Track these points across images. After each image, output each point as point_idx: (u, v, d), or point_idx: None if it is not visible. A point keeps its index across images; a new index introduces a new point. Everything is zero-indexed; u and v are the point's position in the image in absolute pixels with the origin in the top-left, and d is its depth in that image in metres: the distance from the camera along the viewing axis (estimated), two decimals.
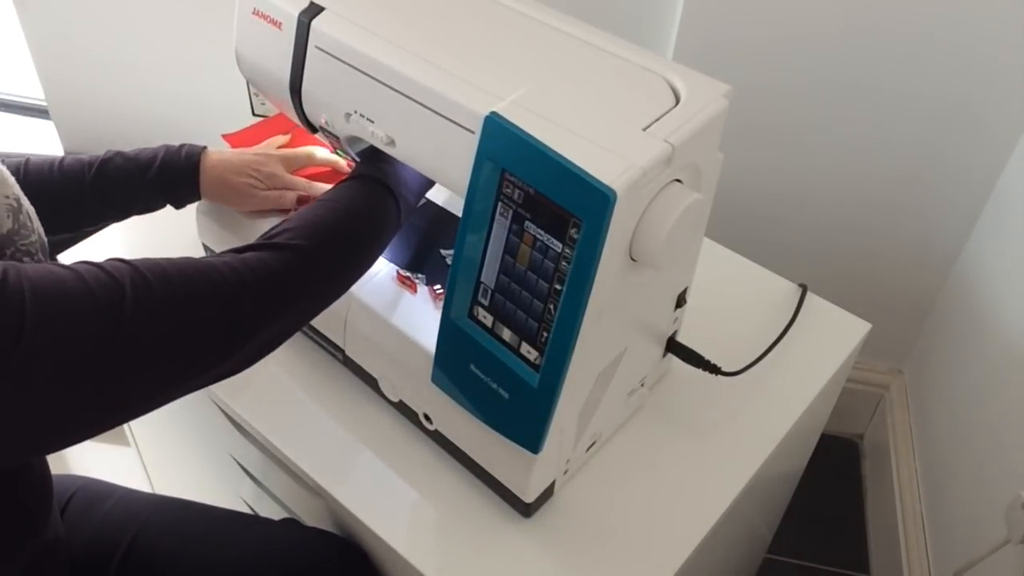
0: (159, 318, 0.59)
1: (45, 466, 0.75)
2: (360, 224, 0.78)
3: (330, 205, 0.77)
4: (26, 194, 0.79)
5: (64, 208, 0.87)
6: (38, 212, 0.83)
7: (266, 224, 0.92)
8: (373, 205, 0.79)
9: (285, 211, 0.94)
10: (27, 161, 0.86)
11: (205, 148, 0.92)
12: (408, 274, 0.88)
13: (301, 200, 0.94)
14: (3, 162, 0.80)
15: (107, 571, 0.86)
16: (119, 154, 0.89)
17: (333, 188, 0.81)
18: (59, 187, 0.87)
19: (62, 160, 0.88)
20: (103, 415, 0.59)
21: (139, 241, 1.08)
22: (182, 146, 0.91)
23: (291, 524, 0.94)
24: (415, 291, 0.86)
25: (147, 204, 0.91)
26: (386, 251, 0.91)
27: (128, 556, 0.86)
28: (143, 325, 0.58)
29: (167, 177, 0.89)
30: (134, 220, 1.09)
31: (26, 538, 0.72)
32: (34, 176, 0.86)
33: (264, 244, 0.70)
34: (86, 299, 0.56)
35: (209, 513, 0.93)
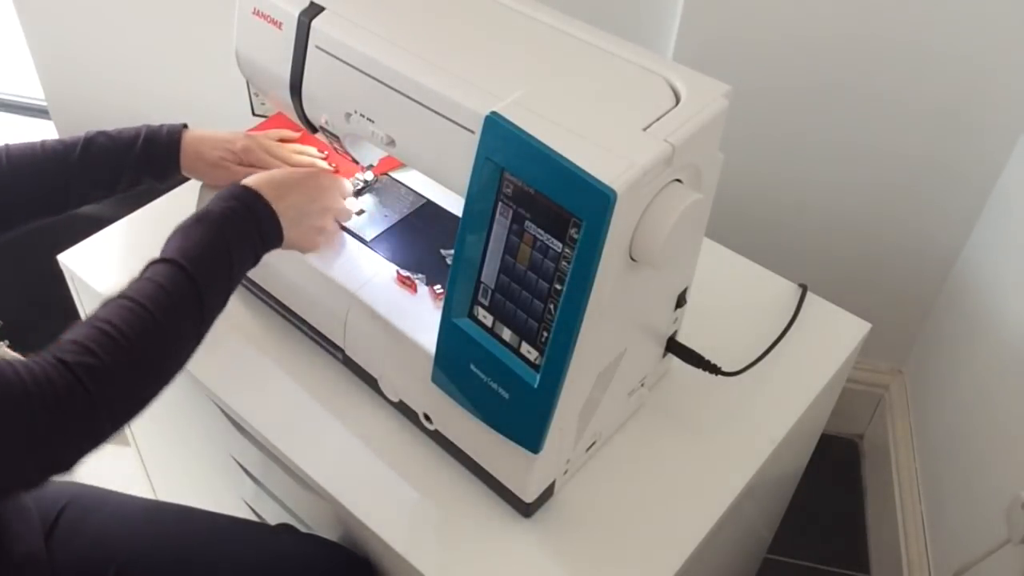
0: None
1: None
2: (160, 335, 0.68)
3: (129, 308, 0.68)
4: (11, 178, 0.80)
5: (51, 189, 0.89)
6: (25, 195, 0.85)
7: None
8: (175, 305, 0.70)
9: None
10: (7, 146, 0.87)
11: (185, 125, 0.94)
12: (408, 274, 0.88)
13: None
14: None
15: None
16: (101, 133, 0.91)
17: (135, 283, 0.71)
18: (45, 168, 0.88)
19: (43, 143, 0.89)
20: None
21: (139, 241, 1.08)
22: (162, 125, 0.93)
23: (289, 532, 0.93)
24: (415, 291, 0.86)
25: (131, 181, 0.93)
26: (386, 251, 0.91)
27: (121, 573, 0.85)
28: None
29: (150, 153, 0.91)
30: (133, 221, 1.10)
31: None
32: (17, 159, 0.87)
33: (58, 355, 0.64)
34: None
35: (205, 522, 0.92)
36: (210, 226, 0.75)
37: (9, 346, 0.79)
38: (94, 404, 0.63)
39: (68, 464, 0.64)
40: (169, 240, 0.74)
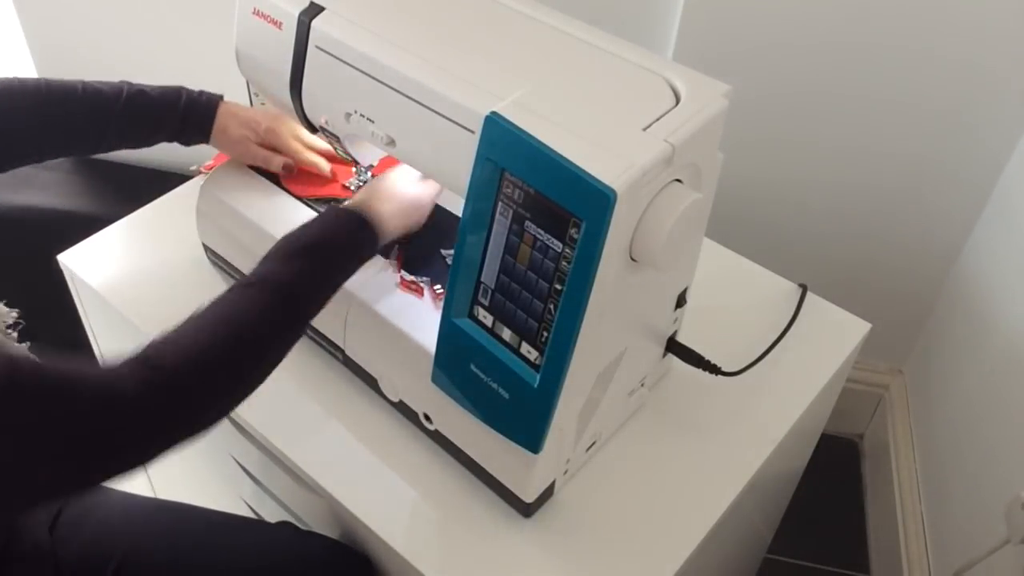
0: (24, 415, 0.57)
1: None
2: (246, 350, 0.70)
3: (219, 323, 0.69)
4: (50, 111, 0.84)
5: (86, 131, 0.91)
6: (55, 131, 0.88)
7: (268, 223, 0.92)
8: (269, 319, 0.71)
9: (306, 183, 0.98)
10: (47, 80, 0.89)
11: (222, 97, 0.96)
12: (413, 278, 0.87)
13: (287, 167, 0.97)
14: (19, 80, 0.85)
15: None
16: (141, 91, 0.93)
17: (226, 298, 0.71)
18: (84, 111, 0.90)
19: (84, 85, 0.91)
20: None
21: (139, 241, 1.08)
22: (201, 92, 0.96)
23: (289, 529, 0.93)
24: (421, 295, 0.86)
25: (161, 140, 0.95)
26: (386, 251, 0.91)
27: (121, 567, 0.85)
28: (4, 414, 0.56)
29: (186, 120, 0.94)
30: (133, 221, 1.10)
31: None
32: (58, 94, 0.89)
33: (140, 358, 0.65)
34: None
35: (206, 519, 0.92)
36: (305, 249, 0.76)
37: (17, 339, 0.80)
38: (177, 405, 0.64)
39: (143, 460, 0.66)
40: (262, 262, 0.74)
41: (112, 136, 0.93)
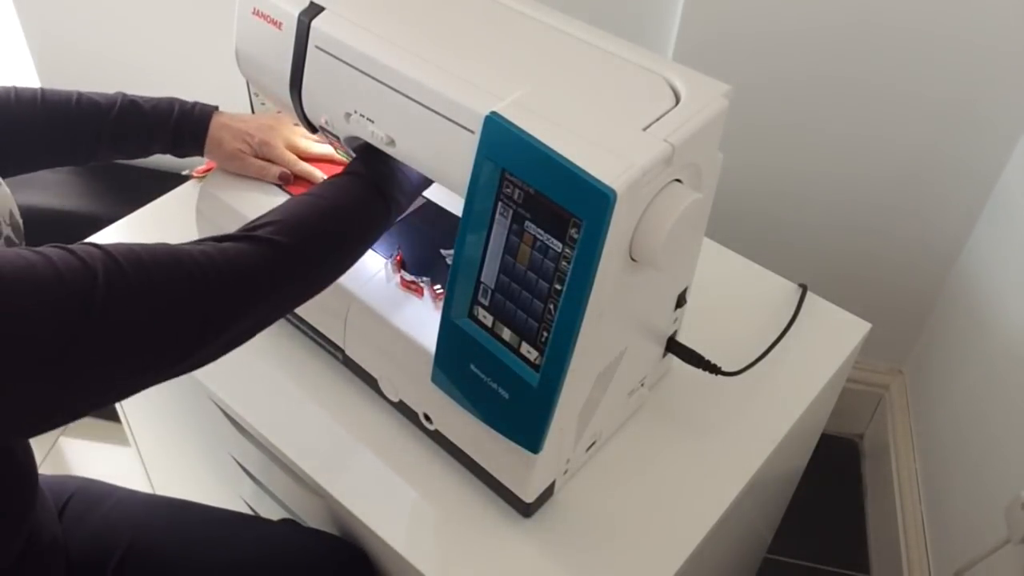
0: (131, 306, 0.59)
1: (28, 452, 0.75)
2: (344, 225, 0.77)
3: (315, 202, 0.76)
4: (43, 122, 0.85)
5: (79, 143, 0.91)
6: (50, 141, 0.89)
7: None
8: (360, 206, 0.79)
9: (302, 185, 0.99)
10: (42, 90, 0.90)
11: (216, 108, 0.97)
12: (413, 278, 0.87)
13: (283, 177, 0.98)
14: (16, 90, 0.87)
15: (104, 574, 0.86)
16: (134, 103, 0.93)
17: (322, 184, 0.80)
18: (78, 122, 0.91)
19: (79, 97, 0.91)
20: (75, 401, 0.58)
21: (140, 240, 1.07)
22: (195, 104, 0.96)
23: (290, 525, 0.94)
24: (422, 295, 0.86)
25: (153, 152, 0.96)
26: (386, 251, 0.91)
27: (125, 559, 0.86)
28: (115, 312, 0.58)
29: (179, 132, 0.95)
30: (133, 221, 1.10)
31: (11, 523, 0.72)
32: (52, 105, 0.89)
33: (245, 235, 0.70)
34: (55, 284, 0.55)
35: (208, 514, 0.93)
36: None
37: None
38: (296, 276, 0.71)
39: (283, 310, 0.73)
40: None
41: (106, 148, 0.93)
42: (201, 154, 0.97)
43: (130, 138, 0.93)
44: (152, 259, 0.62)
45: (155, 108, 0.94)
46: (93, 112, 0.91)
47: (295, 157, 0.98)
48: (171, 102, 0.95)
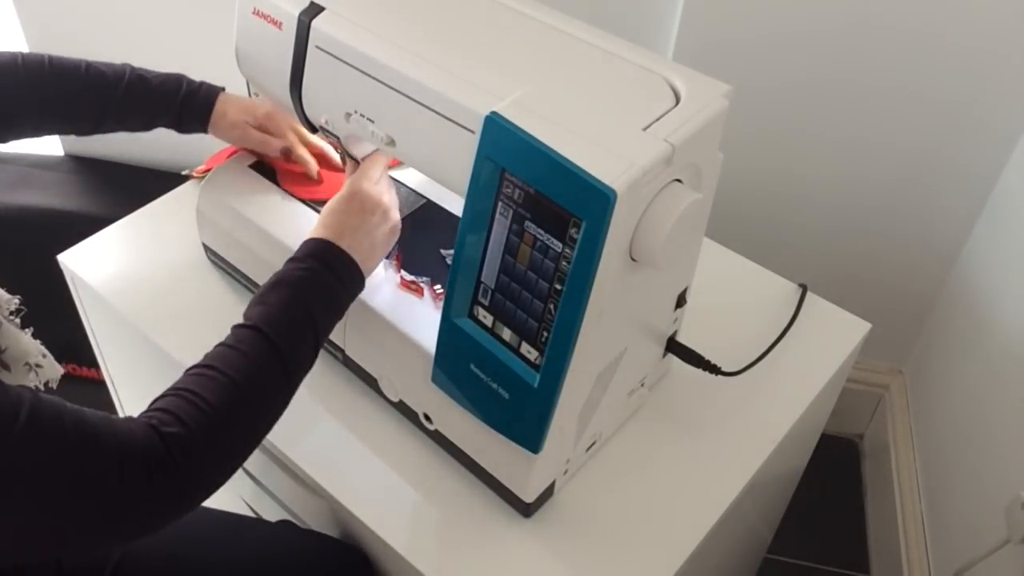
0: (37, 455, 0.56)
1: None
2: (250, 404, 0.69)
3: (222, 382, 0.67)
4: (48, 88, 0.86)
5: (86, 112, 0.92)
6: (55, 109, 0.89)
7: (268, 223, 0.92)
8: (274, 385, 0.71)
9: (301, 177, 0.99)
10: (49, 56, 0.90)
11: (223, 89, 0.98)
12: (412, 278, 0.87)
13: (284, 151, 0.98)
14: (22, 55, 0.87)
15: (103, 575, 0.85)
16: (142, 78, 0.94)
17: (219, 350, 0.70)
18: (86, 92, 0.91)
19: (88, 67, 0.92)
20: None
21: (139, 241, 1.08)
22: (201, 84, 0.97)
23: (289, 526, 0.93)
24: (421, 295, 0.86)
25: (157, 126, 0.97)
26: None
27: (123, 560, 0.86)
28: (17, 457, 0.55)
29: (184, 109, 0.95)
30: (133, 221, 1.10)
31: None
32: (60, 72, 0.89)
33: (152, 420, 0.64)
34: None
35: (206, 515, 0.92)
36: (288, 287, 0.73)
37: (20, 326, 0.80)
38: (182, 476, 0.63)
39: (152, 529, 0.64)
40: (250, 306, 0.73)
41: (111, 119, 0.93)
42: (205, 130, 0.97)
43: (136, 111, 0.94)
44: (72, 421, 0.58)
45: (163, 83, 0.94)
46: (100, 83, 0.92)
47: (296, 139, 0.98)
48: (179, 79, 0.95)
